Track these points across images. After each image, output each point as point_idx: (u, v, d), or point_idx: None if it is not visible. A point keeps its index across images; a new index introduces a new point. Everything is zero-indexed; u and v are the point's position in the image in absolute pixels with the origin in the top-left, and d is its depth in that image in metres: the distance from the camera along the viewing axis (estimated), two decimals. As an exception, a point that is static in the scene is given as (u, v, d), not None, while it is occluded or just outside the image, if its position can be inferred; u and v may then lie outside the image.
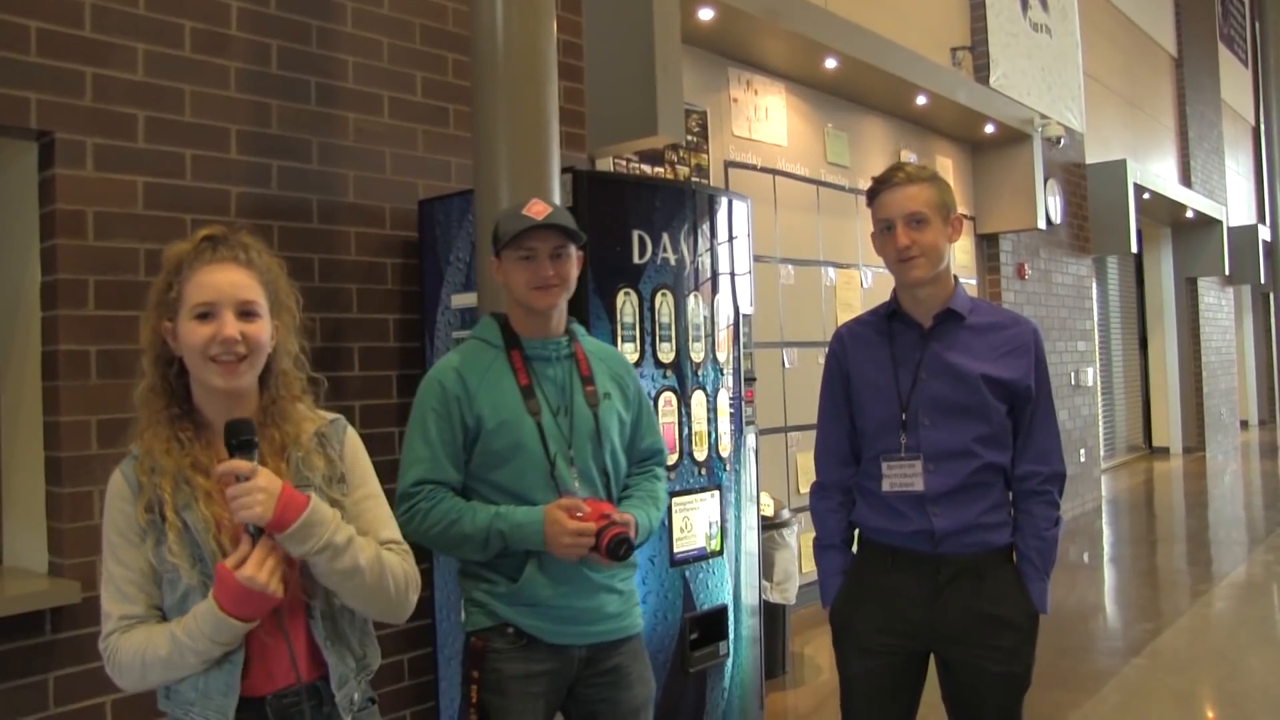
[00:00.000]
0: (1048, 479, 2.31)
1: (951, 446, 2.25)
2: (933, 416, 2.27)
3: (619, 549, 2.06)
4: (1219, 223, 13.70)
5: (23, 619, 2.89)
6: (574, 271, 2.24)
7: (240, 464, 1.61)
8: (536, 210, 2.18)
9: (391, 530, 1.84)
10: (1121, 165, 10.18)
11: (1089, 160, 10.26)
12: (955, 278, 2.37)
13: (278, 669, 1.69)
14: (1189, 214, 12.83)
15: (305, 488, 1.72)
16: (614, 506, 2.18)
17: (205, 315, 1.67)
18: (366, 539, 1.74)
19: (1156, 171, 12.15)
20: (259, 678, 1.68)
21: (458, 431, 2.17)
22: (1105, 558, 7.88)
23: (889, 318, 2.36)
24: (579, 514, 2.08)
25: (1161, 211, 12.48)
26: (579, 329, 2.35)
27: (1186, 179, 13.82)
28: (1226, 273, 14.10)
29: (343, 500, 1.77)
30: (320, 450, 1.78)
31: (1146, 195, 11.06)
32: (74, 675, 2.98)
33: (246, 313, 1.69)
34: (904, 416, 2.28)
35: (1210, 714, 4.40)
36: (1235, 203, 15.88)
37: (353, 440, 1.86)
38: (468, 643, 2.21)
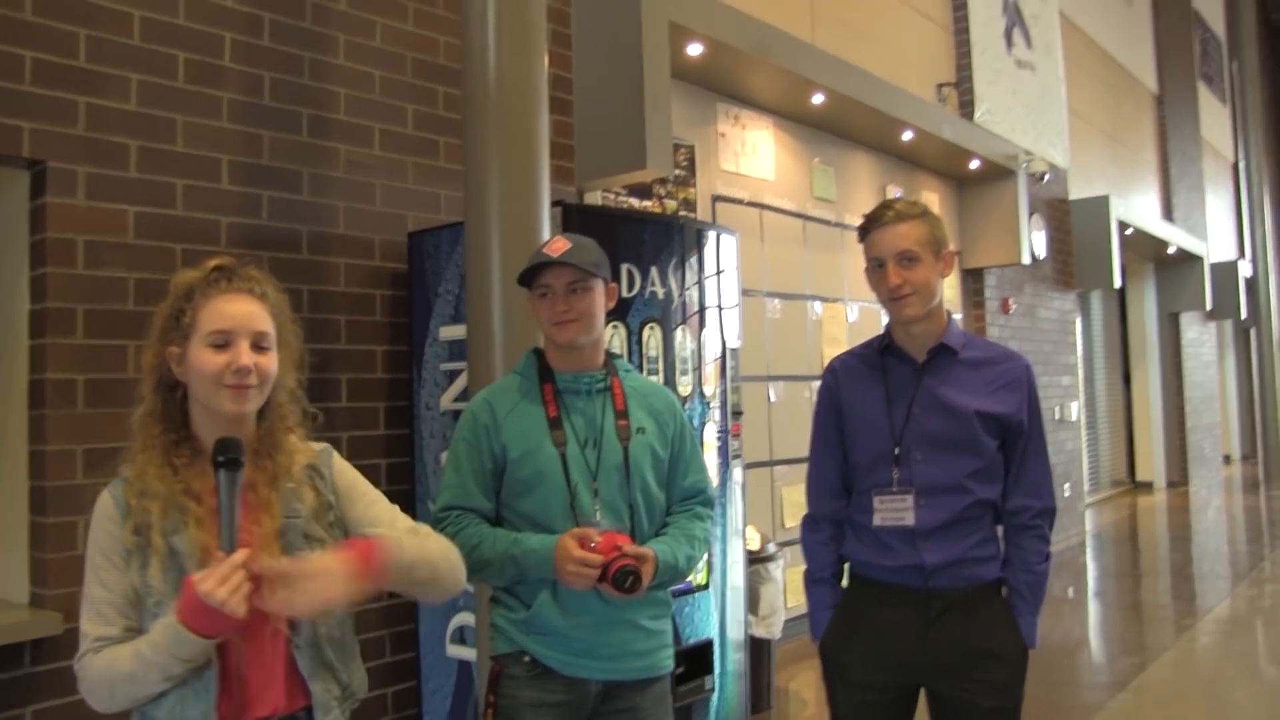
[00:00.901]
0: (1039, 514, 2.32)
1: (944, 482, 2.26)
2: (925, 451, 2.28)
3: (625, 580, 2.06)
4: (1200, 258, 13.83)
5: (1, 651, 2.86)
6: (597, 305, 2.25)
7: (284, 564, 1.61)
8: (554, 247, 2.22)
9: (406, 518, 1.89)
10: (1105, 201, 10.28)
11: (1073, 195, 10.35)
12: (948, 313, 2.39)
13: (257, 698, 1.68)
14: (1171, 250, 12.94)
15: (295, 519, 1.74)
16: (630, 540, 2.17)
17: (221, 344, 1.70)
18: (407, 535, 1.81)
19: (1139, 207, 12.28)
20: (238, 707, 1.66)
21: (485, 460, 2.22)
22: (1090, 592, 7.89)
23: (882, 351, 2.37)
24: (590, 544, 2.09)
25: (1144, 247, 12.59)
26: (623, 364, 2.37)
27: (1169, 214, 13.96)
28: (1208, 308, 14.21)
29: (325, 536, 1.78)
30: (310, 483, 1.80)
31: (1130, 231, 11.16)
32: (53, 709, 2.95)
33: (259, 345, 1.74)
34: (896, 451, 2.29)
35: (1195, 750, 4.40)
36: (1216, 238, 16.03)
37: (339, 463, 1.89)
38: (490, 668, 2.24)
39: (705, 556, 2.31)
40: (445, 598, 1.92)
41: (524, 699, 2.15)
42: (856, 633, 2.34)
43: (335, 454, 1.90)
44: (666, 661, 2.28)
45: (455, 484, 2.22)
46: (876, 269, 2.30)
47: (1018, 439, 2.32)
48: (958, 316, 8.48)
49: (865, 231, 2.32)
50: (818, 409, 2.47)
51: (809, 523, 2.47)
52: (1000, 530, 2.35)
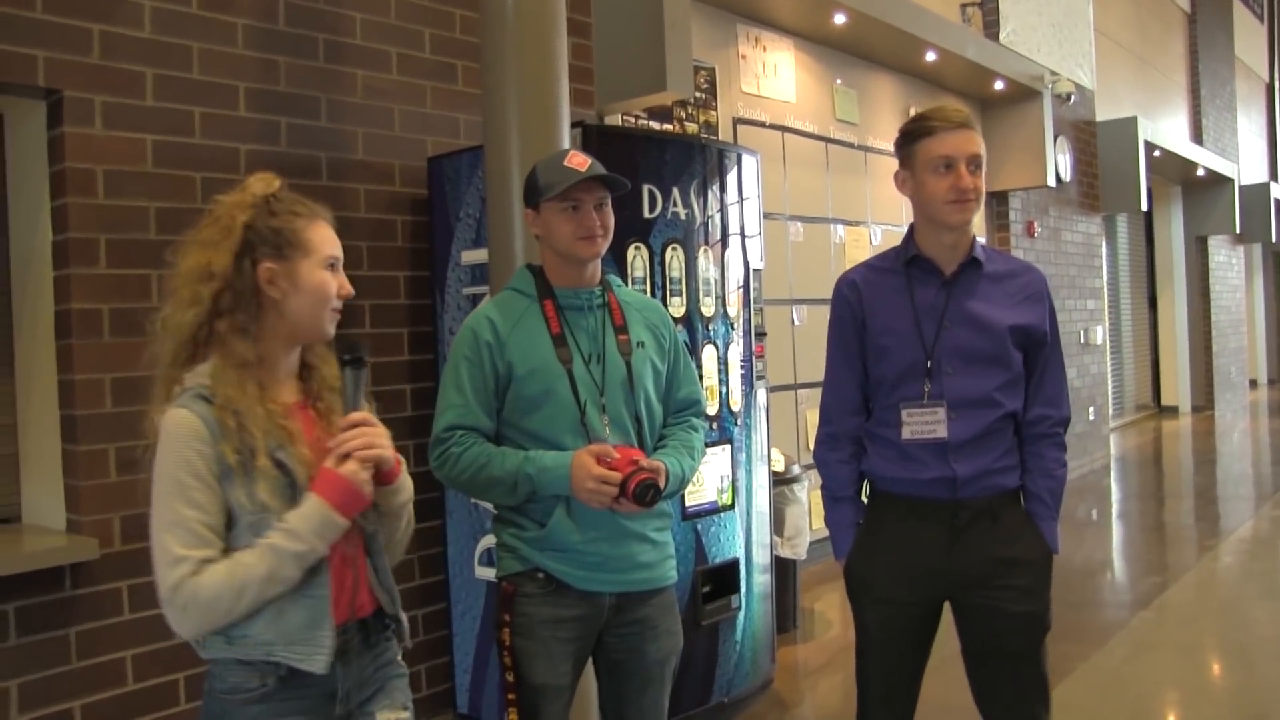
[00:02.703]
0: (1057, 422, 2.32)
1: (974, 395, 2.25)
2: (956, 365, 2.26)
3: (645, 494, 2.06)
4: (1230, 181, 13.59)
5: (43, 574, 2.92)
6: (613, 221, 2.26)
7: (367, 414, 1.73)
8: (579, 162, 2.19)
9: None
10: (1132, 122, 10.09)
11: (1099, 118, 10.17)
12: None
13: (338, 607, 1.72)
14: (1200, 172, 12.72)
15: None
16: (644, 454, 2.18)
17: (333, 266, 1.77)
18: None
19: (1167, 129, 12.05)
20: (333, 612, 1.70)
21: (489, 379, 2.19)
22: (1113, 514, 7.91)
23: (907, 264, 2.34)
24: (607, 460, 2.09)
25: (1172, 169, 12.39)
26: (614, 280, 2.36)
27: (1198, 136, 13.70)
28: (1237, 231, 14.01)
29: None
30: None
31: (1157, 153, 10.97)
32: (94, 630, 3.02)
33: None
34: (929, 364, 2.27)
35: (1216, 665, 4.43)
36: (1247, 161, 15.74)
37: None
38: (499, 588, 2.24)
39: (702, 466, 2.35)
40: (396, 551, 1.92)
41: (540, 615, 2.16)
42: (881, 549, 2.34)
43: None
44: (672, 572, 2.31)
45: (458, 403, 2.17)
46: (942, 169, 2.21)
47: (1040, 350, 2.31)
48: (981, 239, 8.41)
49: (929, 131, 2.23)
50: (834, 324, 2.43)
51: (828, 440, 2.44)
52: (1018, 440, 2.35)
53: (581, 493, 2.09)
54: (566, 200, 2.19)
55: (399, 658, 1.90)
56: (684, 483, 2.26)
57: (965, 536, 2.26)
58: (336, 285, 1.76)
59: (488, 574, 3.59)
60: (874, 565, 2.35)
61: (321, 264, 1.74)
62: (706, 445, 3.65)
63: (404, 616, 1.86)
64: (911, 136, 2.28)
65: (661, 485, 2.11)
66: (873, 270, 2.40)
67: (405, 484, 1.86)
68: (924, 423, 2.26)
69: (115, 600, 3.06)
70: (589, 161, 2.20)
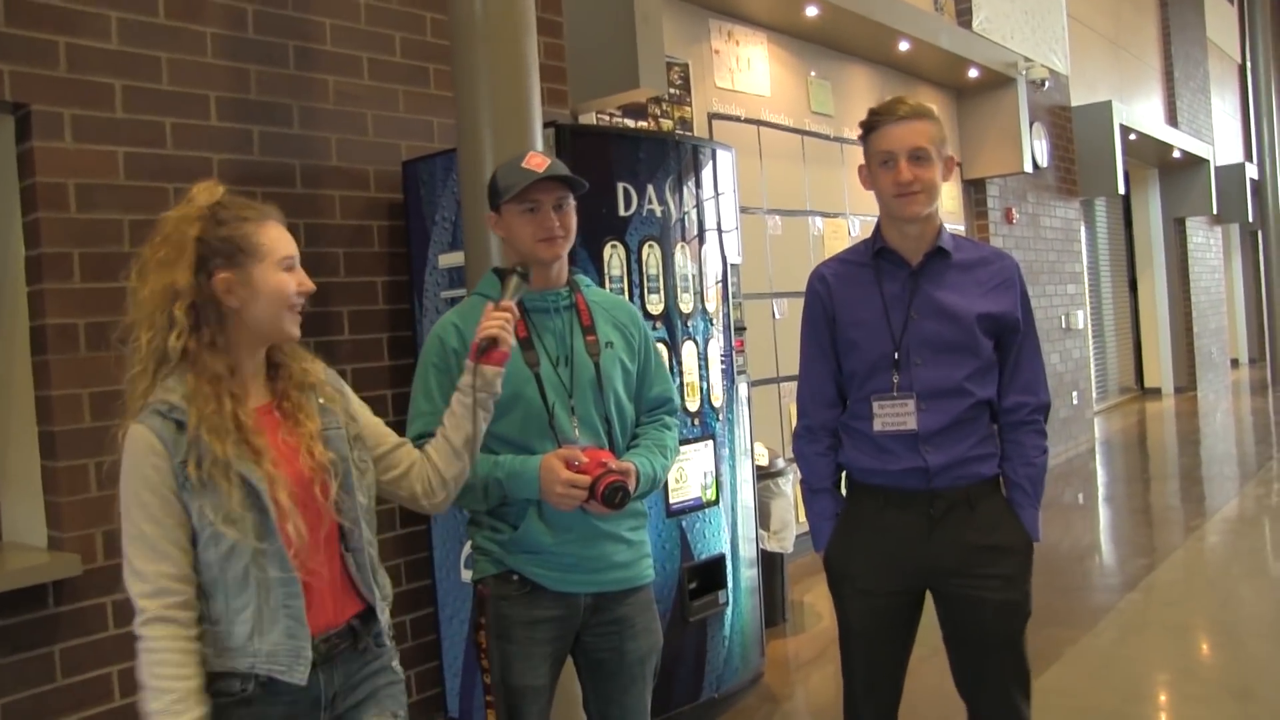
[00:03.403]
0: (1035, 409, 2.32)
1: (944, 385, 2.26)
2: (924, 355, 2.27)
3: (614, 497, 2.07)
4: (1206, 162, 13.67)
5: (25, 593, 2.90)
6: (574, 221, 2.25)
7: (508, 304, 2.00)
8: (536, 163, 2.18)
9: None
10: (1107, 106, 10.14)
11: (1075, 102, 10.21)
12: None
13: (320, 613, 1.73)
14: (1176, 154, 12.79)
15: (336, 429, 1.81)
16: (613, 455, 2.17)
17: (290, 266, 1.76)
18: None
19: (1142, 112, 12.11)
20: (310, 621, 1.70)
21: (456, 384, 2.17)
22: (1100, 497, 7.95)
23: (875, 256, 2.35)
24: (575, 464, 2.08)
25: (1148, 152, 12.45)
26: (583, 279, 2.35)
27: (1173, 119, 13.77)
28: (1214, 212, 14.09)
29: (357, 441, 1.86)
30: (333, 389, 1.87)
31: (1133, 136, 11.03)
32: (79, 647, 3.00)
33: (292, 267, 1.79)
34: (896, 356, 2.27)
35: (1204, 643, 4.46)
36: (1222, 142, 15.84)
37: (342, 380, 1.96)
38: (475, 591, 2.23)
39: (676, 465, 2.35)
40: (455, 486, 2.02)
41: (516, 617, 2.16)
42: (860, 540, 2.35)
43: (332, 371, 1.95)
44: (648, 571, 2.31)
45: (428, 411, 2.15)
46: (884, 164, 2.25)
47: (1013, 337, 2.31)
48: (959, 228, 8.43)
49: (874, 126, 2.27)
50: (807, 317, 2.44)
51: (805, 434, 2.45)
52: (996, 428, 2.36)
53: (552, 496, 2.09)
54: (524, 201, 2.17)
55: (393, 664, 1.89)
56: (656, 482, 2.25)
57: (942, 526, 2.27)
58: (295, 283, 1.76)
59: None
60: (853, 556, 2.36)
61: (276, 266, 1.73)
62: (688, 441, 3.67)
63: (385, 612, 1.84)
64: (863, 132, 2.32)
65: (631, 487, 2.11)
66: (842, 264, 2.41)
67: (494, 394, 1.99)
68: (894, 414, 2.27)
69: (99, 616, 3.04)
70: (547, 161, 2.18)
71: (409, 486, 1.96)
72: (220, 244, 1.70)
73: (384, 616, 1.83)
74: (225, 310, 1.71)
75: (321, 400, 1.81)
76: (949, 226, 2.39)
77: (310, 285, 1.78)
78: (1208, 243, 15.43)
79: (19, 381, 3.10)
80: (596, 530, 2.19)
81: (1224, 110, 16.45)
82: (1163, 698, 3.93)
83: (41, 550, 3.06)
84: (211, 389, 1.67)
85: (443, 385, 2.17)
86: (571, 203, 2.23)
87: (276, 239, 1.75)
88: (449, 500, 2.01)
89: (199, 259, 1.69)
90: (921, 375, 2.26)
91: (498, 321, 1.98)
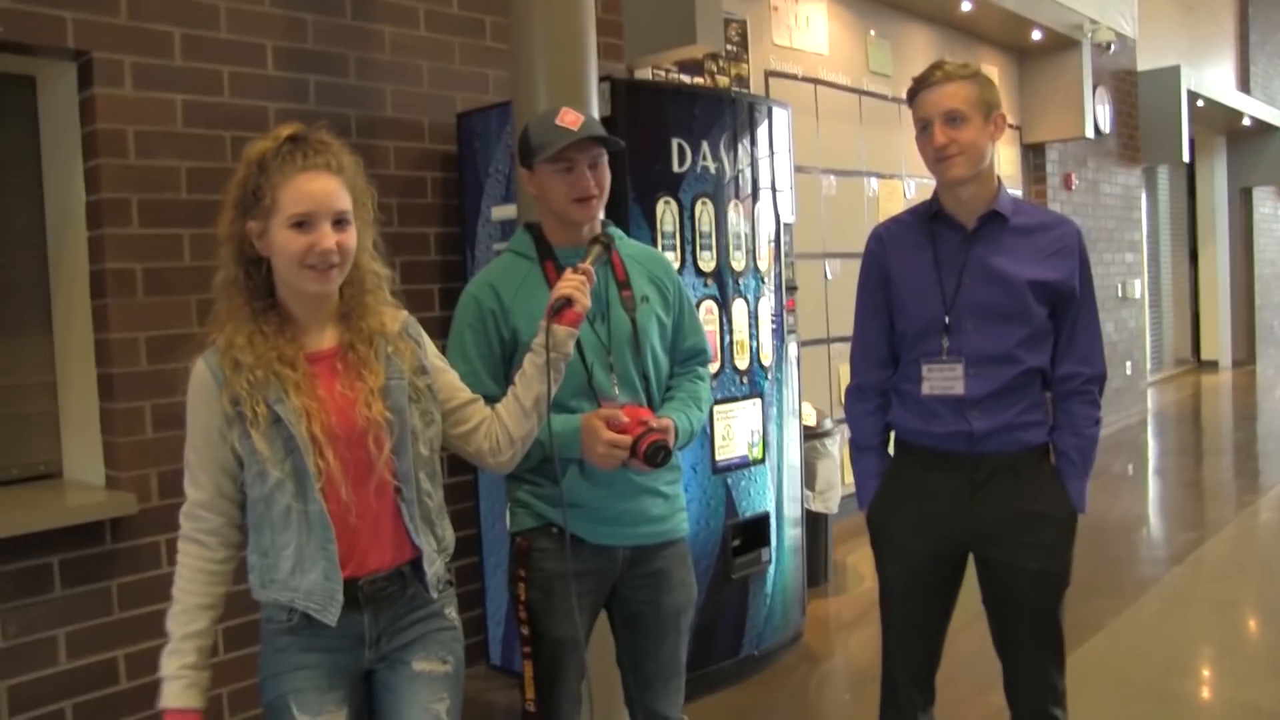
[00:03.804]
0: (1089, 380, 2.28)
1: (993, 351, 2.23)
2: (975, 321, 2.24)
3: (656, 455, 2.07)
4: (1278, 130, 13.27)
5: (84, 529, 2.99)
6: (608, 179, 2.21)
7: (587, 268, 2.01)
8: (570, 119, 2.14)
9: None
10: (1175, 72, 9.86)
11: (1140, 67, 9.94)
12: (998, 178, 2.32)
13: (369, 555, 1.77)
14: (1245, 121, 12.43)
15: (398, 379, 1.79)
16: (652, 412, 2.17)
17: (302, 224, 1.69)
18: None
19: (1212, 78, 11.76)
20: (350, 565, 1.75)
21: (495, 346, 2.17)
22: (1150, 469, 7.84)
23: (931, 219, 2.32)
24: (617, 424, 2.09)
25: (1216, 119, 12.11)
26: (616, 233, 2.31)
27: (1245, 84, 13.37)
28: (1285, 182, 13.72)
29: (425, 395, 1.85)
30: (408, 344, 1.85)
31: (1200, 102, 10.73)
32: (135, 583, 3.09)
33: (339, 221, 1.73)
34: (947, 320, 2.25)
35: (1251, 620, 4.40)
36: (1296, 109, 15.37)
37: (422, 333, 1.95)
38: (514, 543, 2.25)
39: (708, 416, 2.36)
40: (507, 461, 2.01)
41: (555, 570, 2.16)
42: (903, 500, 2.35)
43: (414, 320, 1.94)
44: (684, 524, 2.31)
45: (466, 373, 2.11)
46: (923, 131, 2.24)
47: (1069, 306, 2.27)
48: (1016, 191, 8.27)
49: (913, 94, 2.26)
50: (863, 277, 2.43)
51: (855, 392, 2.46)
52: (1049, 396, 2.33)
53: (594, 457, 2.09)
54: (560, 161, 2.13)
55: (445, 611, 1.91)
56: (692, 436, 2.25)
57: (985, 490, 2.25)
58: (308, 243, 1.69)
59: (519, 529, 3.62)
60: (894, 515, 2.37)
61: (284, 223, 1.69)
62: (736, 399, 3.67)
63: (437, 563, 1.86)
64: (908, 100, 2.30)
65: (671, 444, 2.11)
66: (899, 224, 2.39)
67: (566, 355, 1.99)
68: (942, 378, 2.25)
69: (154, 554, 3.12)
70: (582, 118, 2.14)
71: (476, 443, 1.96)
72: (251, 194, 1.71)
73: (432, 568, 1.84)
74: (262, 257, 1.74)
75: (390, 350, 1.81)
76: (1008, 191, 2.34)
77: (326, 246, 1.69)
78: (1276, 213, 15.01)
79: (79, 325, 3.16)
80: (635, 485, 2.19)
81: (1299, 76, 15.96)
82: (1205, 673, 3.90)
83: (99, 489, 3.14)
84: (246, 328, 1.71)
85: (479, 347, 2.17)
86: (605, 160, 2.19)
87: (296, 195, 1.69)
88: (515, 460, 2.01)
89: (238, 204, 1.72)
90: (971, 340, 2.24)
91: (574, 282, 1.98)
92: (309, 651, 1.76)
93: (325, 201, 1.71)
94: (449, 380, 1.95)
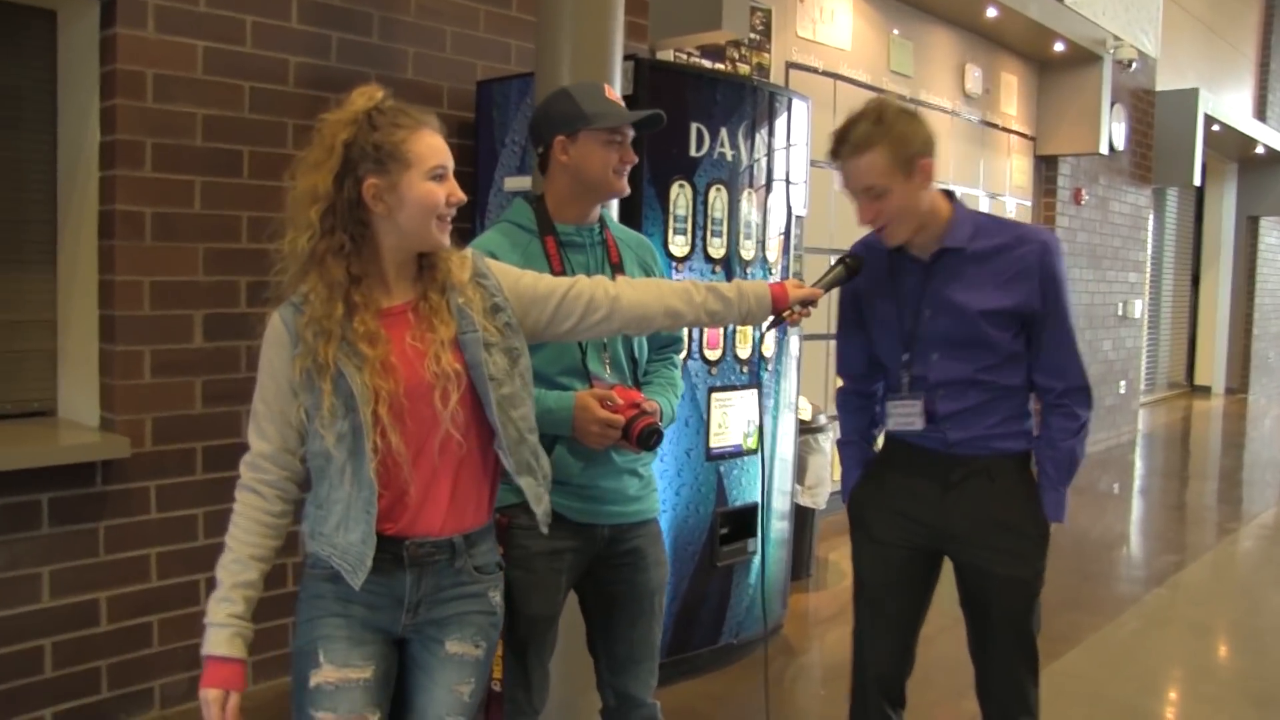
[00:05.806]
0: (1063, 393, 2.27)
1: (958, 376, 2.25)
2: (941, 349, 2.25)
3: (650, 439, 2.08)
4: (1290, 160, 13.27)
5: (75, 469, 2.99)
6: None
7: (814, 293, 2.12)
8: (616, 97, 2.19)
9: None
10: (1193, 94, 9.85)
11: (1160, 87, 9.93)
12: (950, 196, 2.29)
13: (420, 516, 1.78)
14: (1259, 149, 12.43)
15: (472, 333, 1.79)
16: (642, 394, 2.18)
17: (440, 176, 1.74)
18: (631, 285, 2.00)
19: (1230, 103, 11.75)
20: (401, 522, 1.76)
21: None
22: (1136, 489, 7.88)
23: (894, 249, 2.29)
24: (610, 404, 2.09)
25: (1230, 145, 12.11)
26: (607, 215, 2.34)
27: (1261, 113, 13.36)
28: (1295, 212, 13.71)
29: (500, 339, 1.83)
30: (475, 287, 1.84)
31: (1216, 127, 10.72)
32: (122, 526, 3.09)
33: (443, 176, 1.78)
34: (905, 356, 2.28)
35: (1226, 646, 4.43)
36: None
37: (491, 263, 1.92)
38: (494, 520, 2.25)
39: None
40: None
41: (537, 548, 2.15)
42: (882, 492, 2.38)
43: (480, 255, 1.93)
44: (657, 503, 2.35)
45: None
46: (852, 197, 2.22)
47: (1036, 323, 2.24)
48: (1027, 203, 8.26)
49: (833, 156, 2.21)
50: (844, 289, 2.40)
51: (840, 394, 2.53)
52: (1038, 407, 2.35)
53: (587, 435, 2.09)
54: (615, 132, 2.17)
55: (491, 595, 1.91)
56: (671, 420, 2.27)
57: (958, 492, 2.27)
58: (445, 194, 1.75)
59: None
60: (871, 506, 2.39)
61: (425, 175, 1.72)
62: (735, 388, 3.68)
63: (544, 500, 1.91)
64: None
65: (662, 429, 2.12)
66: (869, 249, 2.34)
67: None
68: (904, 414, 2.29)
69: (143, 499, 3.12)
70: (619, 96, 2.21)
71: (587, 325, 1.96)
72: (371, 149, 1.70)
73: (540, 506, 1.90)
74: (369, 216, 1.73)
75: (461, 301, 1.80)
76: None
77: (461, 196, 1.77)
78: (1280, 244, 15.05)
79: (84, 263, 3.15)
80: (617, 464, 2.21)
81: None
82: (1177, 695, 3.92)
83: (93, 430, 3.14)
84: (327, 293, 1.70)
85: None
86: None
87: (429, 148, 1.74)
88: (607, 324, 1.96)
89: (346, 164, 1.70)
90: (938, 366, 2.26)
91: (804, 293, 2.10)
92: (347, 602, 1.77)
93: (448, 156, 1.78)
94: (535, 292, 1.91)
